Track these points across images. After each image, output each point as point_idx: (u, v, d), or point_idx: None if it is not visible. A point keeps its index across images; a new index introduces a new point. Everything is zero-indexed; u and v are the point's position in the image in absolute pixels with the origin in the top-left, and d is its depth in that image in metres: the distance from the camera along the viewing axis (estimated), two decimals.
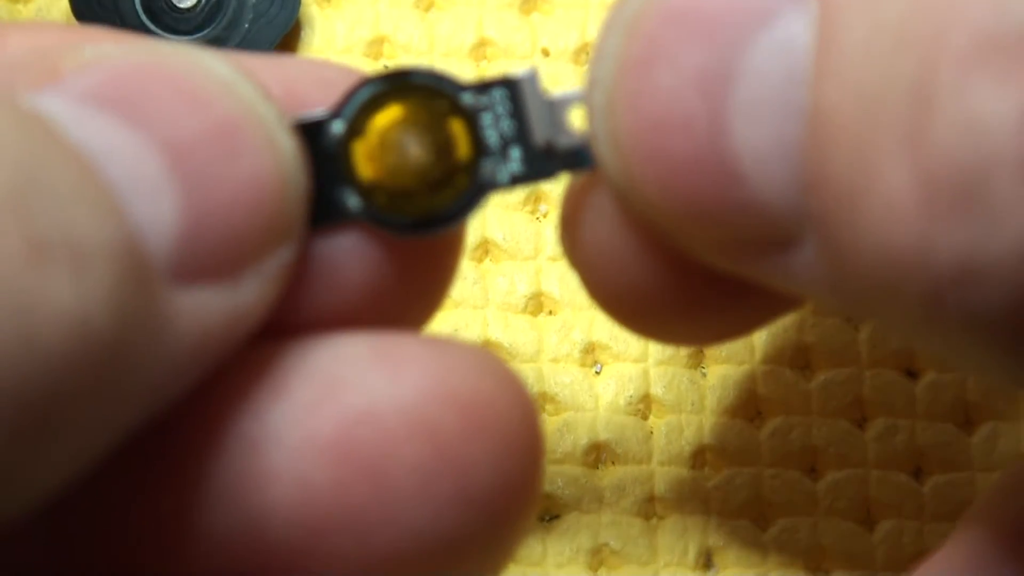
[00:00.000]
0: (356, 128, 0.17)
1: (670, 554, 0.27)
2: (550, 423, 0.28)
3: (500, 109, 0.18)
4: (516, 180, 0.18)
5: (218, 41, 0.29)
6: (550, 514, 0.27)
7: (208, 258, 0.15)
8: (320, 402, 0.16)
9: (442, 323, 0.28)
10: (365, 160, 0.17)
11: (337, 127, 0.17)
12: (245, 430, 0.16)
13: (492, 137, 0.18)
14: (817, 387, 0.28)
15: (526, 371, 0.28)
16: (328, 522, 0.15)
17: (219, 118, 0.15)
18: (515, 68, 0.18)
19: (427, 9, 0.30)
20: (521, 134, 0.18)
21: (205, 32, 0.29)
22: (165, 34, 0.29)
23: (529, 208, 0.29)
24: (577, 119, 0.18)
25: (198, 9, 0.29)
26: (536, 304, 0.28)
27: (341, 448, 0.16)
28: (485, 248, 0.29)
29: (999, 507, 0.20)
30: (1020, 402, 0.28)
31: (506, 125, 0.18)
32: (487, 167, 0.18)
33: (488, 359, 0.17)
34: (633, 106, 0.16)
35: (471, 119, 0.17)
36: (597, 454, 0.28)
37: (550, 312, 0.28)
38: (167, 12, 0.29)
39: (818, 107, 0.15)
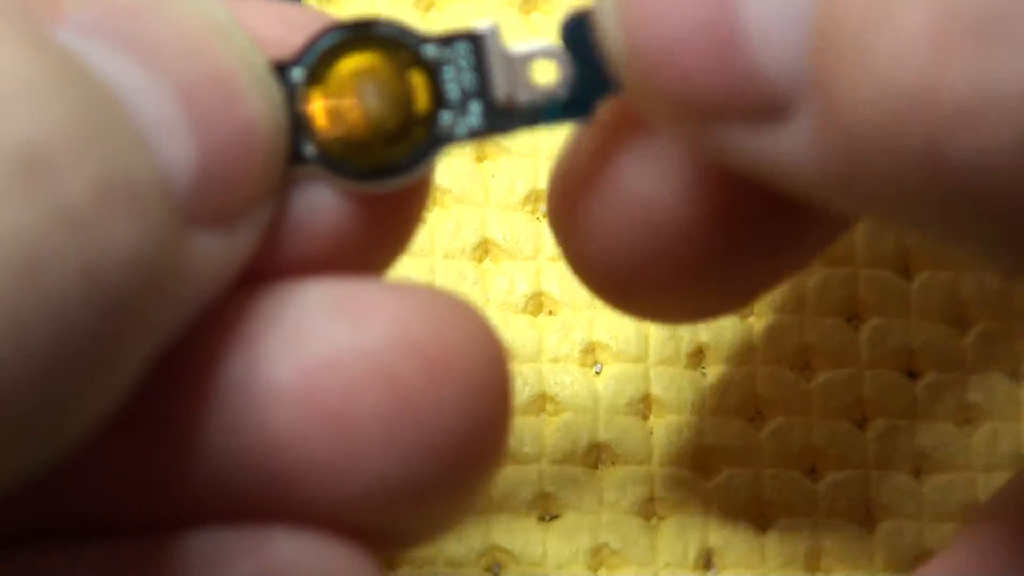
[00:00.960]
0: (316, 76, 0.18)
1: (670, 554, 0.27)
2: (550, 423, 0.28)
3: (462, 63, 0.18)
4: (474, 134, 0.18)
5: None
6: (550, 514, 0.28)
7: (215, 202, 0.16)
8: (282, 351, 0.16)
9: None
10: (323, 108, 0.18)
11: (297, 74, 0.18)
12: (212, 380, 0.16)
13: (452, 91, 0.18)
14: (817, 387, 0.28)
15: (526, 371, 0.28)
16: (293, 470, 0.16)
17: (218, 62, 0.16)
18: (478, 22, 0.18)
19: (427, 9, 0.30)
20: (482, 88, 0.18)
21: None
22: None
23: (529, 208, 0.29)
24: (539, 74, 0.18)
25: None
26: (536, 304, 0.28)
27: (302, 397, 0.16)
28: (485, 248, 0.29)
29: (1007, 506, 0.20)
30: (1020, 402, 0.29)
31: (467, 79, 0.18)
32: (445, 120, 0.18)
33: (454, 305, 0.17)
34: None
35: (432, 71, 0.18)
36: (597, 454, 0.28)
37: (550, 312, 0.28)
38: None
39: None
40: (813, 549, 0.27)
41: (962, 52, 0.14)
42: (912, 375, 0.29)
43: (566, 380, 0.28)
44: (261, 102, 0.16)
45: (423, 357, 0.16)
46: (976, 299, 0.29)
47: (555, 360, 0.28)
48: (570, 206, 0.20)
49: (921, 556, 0.27)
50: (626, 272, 0.20)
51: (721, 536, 0.27)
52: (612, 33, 0.17)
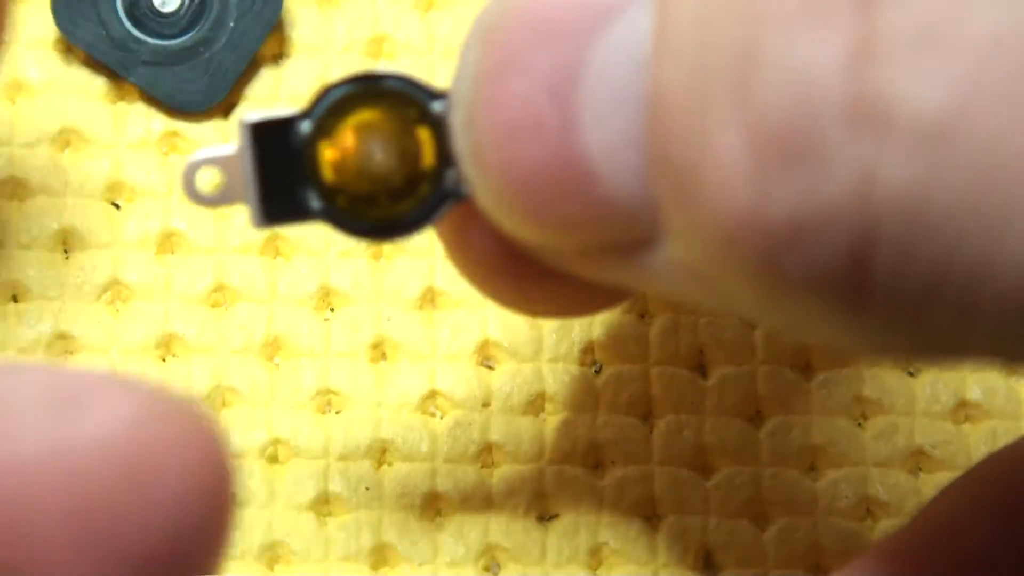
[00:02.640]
0: (324, 129, 0.18)
1: (669, 554, 0.28)
2: (549, 423, 0.28)
3: None
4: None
5: (205, 42, 0.29)
6: (549, 514, 0.28)
7: None
8: None
9: (440, 323, 0.29)
10: (330, 162, 0.18)
11: (305, 127, 0.18)
12: None
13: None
14: (817, 386, 0.29)
15: (525, 371, 0.28)
16: None
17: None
18: None
19: (427, 9, 0.30)
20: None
21: (191, 34, 0.29)
22: (151, 40, 0.29)
23: None
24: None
25: (182, 12, 0.30)
26: None
27: None
28: None
29: (913, 545, 0.21)
30: (1020, 401, 0.29)
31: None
32: (451, 177, 0.18)
33: (170, 405, 0.15)
34: (490, 117, 0.16)
35: (439, 128, 0.18)
36: (596, 454, 0.28)
37: None
38: (151, 17, 0.29)
39: (656, 88, 0.15)
40: (813, 548, 0.28)
41: (779, 175, 0.14)
42: (911, 374, 0.29)
43: (565, 380, 0.28)
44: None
45: (124, 461, 0.14)
46: None
47: (554, 360, 0.29)
48: (447, 239, 0.20)
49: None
50: (496, 283, 0.20)
51: (721, 535, 0.28)
52: (467, 167, 0.17)
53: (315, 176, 0.18)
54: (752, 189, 0.15)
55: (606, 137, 0.16)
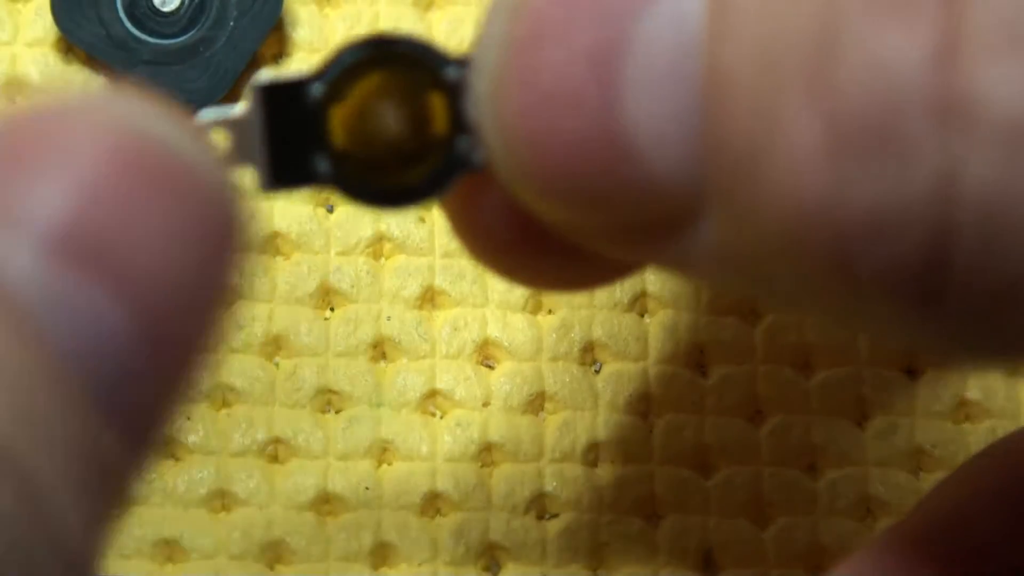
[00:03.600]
0: (335, 93, 0.17)
1: (669, 553, 0.28)
2: (549, 422, 0.28)
3: None
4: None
5: (206, 42, 0.29)
6: (549, 513, 0.28)
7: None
8: None
9: (440, 323, 0.29)
10: (341, 126, 0.17)
11: (316, 90, 0.17)
12: None
13: (471, 114, 0.17)
14: (817, 386, 0.29)
15: (525, 370, 0.28)
16: None
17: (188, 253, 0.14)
18: None
19: (427, 8, 0.30)
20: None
21: (191, 34, 0.30)
22: (151, 39, 0.29)
23: None
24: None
25: (182, 12, 0.30)
26: (535, 303, 0.29)
27: None
28: None
29: (923, 535, 0.21)
30: (1019, 401, 0.29)
31: None
32: (462, 145, 0.17)
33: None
34: (521, 87, 0.16)
35: (452, 94, 0.17)
36: (596, 453, 0.28)
37: (549, 311, 0.29)
38: (151, 17, 0.30)
39: (715, 69, 0.15)
40: (813, 547, 0.28)
41: (858, 167, 0.14)
42: (911, 373, 0.29)
43: (565, 379, 0.29)
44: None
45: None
46: None
47: (554, 359, 0.29)
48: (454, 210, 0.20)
49: None
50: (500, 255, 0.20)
51: (721, 535, 0.28)
52: (491, 137, 0.17)
53: (325, 140, 0.17)
54: (828, 180, 0.14)
55: (653, 114, 0.15)
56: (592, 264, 0.20)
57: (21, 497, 0.12)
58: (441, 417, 0.29)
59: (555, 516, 0.28)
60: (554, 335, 0.29)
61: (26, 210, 0.13)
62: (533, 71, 0.16)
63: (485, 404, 0.28)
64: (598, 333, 0.29)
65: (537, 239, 0.18)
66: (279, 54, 0.30)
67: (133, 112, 0.14)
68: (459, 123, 0.17)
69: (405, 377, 0.29)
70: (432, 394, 0.29)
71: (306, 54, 0.30)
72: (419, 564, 0.28)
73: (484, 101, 0.17)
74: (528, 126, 0.16)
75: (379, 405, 0.29)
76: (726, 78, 0.15)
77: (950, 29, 0.14)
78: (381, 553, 0.28)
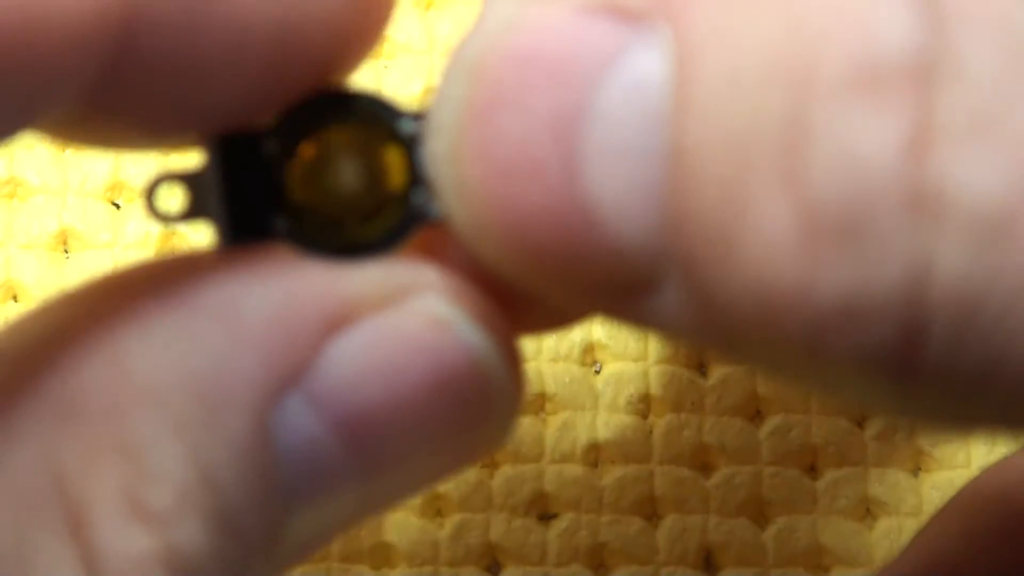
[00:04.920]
0: (291, 148, 0.17)
1: (670, 553, 0.28)
2: (549, 422, 0.29)
3: None
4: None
5: None
6: (549, 513, 0.28)
7: None
8: None
9: None
10: (297, 181, 0.17)
11: (272, 145, 0.17)
12: None
13: (428, 169, 0.17)
14: None
15: (526, 371, 0.29)
16: None
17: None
18: None
19: (427, 8, 0.31)
20: None
21: None
22: None
23: None
24: None
25: None
26: None
27: None
28: None
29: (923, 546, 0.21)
30: None
31: None
32: (419, 198, 0.17)
33: None
34: (481, 153, 0.16)
35: (408, 147, 0.17)
36: (597, 453, 0.29)
37: None
38: None
39: (680, 146, 0.15)
40: (813, 547, 0.28)
41: (832, 255, 0.14)
42: None
43: (565, 379, 0.29)
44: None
45: None
46: None
47: (554, 359, 0.29)
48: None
49: None
50: None
51: (721, 534, 0.28)
52: (450, 197, 0.17)
53: (282, 196, 0.17)
54: (800, 267, 0.14)
55: (616, 185, 0.15)
56: (552, 313, 0.20)
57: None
58: None
59: (555, 516, 0.28)
60: (554, 336, 0.29)
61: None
62: (491, 139, 0.16)
63: None
64: (598, 333, 0.29)
65: (498, 287, 0.18)
66: None
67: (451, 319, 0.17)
68: (416, 177, 0.17)
69: None
70: None
71: None
72: (420, 564, 0.28)
73: (442, 163, 0.17)
74: (487, 194, 0.16)
75: None
76: (692, 157, 0.15)
77: (921, 118, 0.14)
78: (382, 553, 0.28)
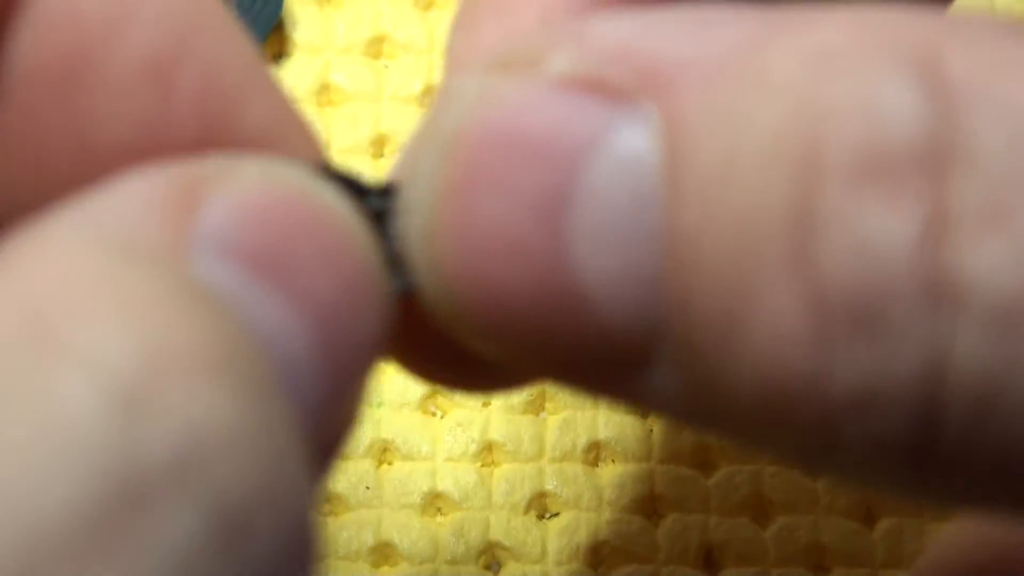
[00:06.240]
0: None
1: (670, 551, 0.28)
2: (550, 421, 0.29)
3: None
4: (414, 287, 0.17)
5: None
6: (550, 512, 0.28)
7: (328, 433, 0.15)
8: None
9: None
10: None
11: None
12: None
13: (396, 242, 0.17)
14: None
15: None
16: None
17: (349, 274, 0.15)
18: None
19: (427, 8, 0.31)
20: None
21: None
22: None
23: None
24: None
25: None
26: None
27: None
28: None
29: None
30: None
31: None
32: (386, 273, 0.17)
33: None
34: (459, 234, 0.15)
35: (375, 223, 0.17)
36: (597, 452, 0.29)
37: None
38: None
39: (676, 229, 0.15)
40: (813, 546, 0.28)
41: (845, 346, 0.14)
42: None
43: None
44: (383, 305, 0.16)
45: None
46: None
47: None
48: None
49: (920, 554, 0.28)
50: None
51: (721, 533, 0.28)
52: (423, 275, 0.16)
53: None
54: (812, 357, 0.14)
55: (606, 266, 0.15)
56: (515, 375, 0.19)
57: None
58: (442, 417, 0.29)
59: (555, 515, 0.28)
60: None
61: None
62: (470, 220, 0.15)
63: (485, 404, 0.29)
64: None
65: (466, 359, 0.18)
66: (279, 54, 0.31)
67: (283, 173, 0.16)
68: (383, 252, 0.17)
69: (405, 377, 0.29)
70: (432, 394, 0.29)
71: (306, 54, 0.31)
72: (420, 563, 0.28)
73: (416, 241, 0.16)
74: (465, 273, 0.15)
75: (380, 405, 0.29)
76: (690, 241, 0.14)
77: (935, 208, 0.14)
78: (382, 552, 0.28)
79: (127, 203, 0.14)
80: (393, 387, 0.29)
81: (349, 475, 0.28)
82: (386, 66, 0.31)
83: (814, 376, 0.14)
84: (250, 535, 0.13)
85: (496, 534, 0.28)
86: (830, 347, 0.14)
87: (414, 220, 0.16)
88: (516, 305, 0.15)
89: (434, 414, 0.29)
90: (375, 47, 0.31)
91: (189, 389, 0.13)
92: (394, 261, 0.17)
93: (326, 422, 0.15)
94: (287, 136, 0.17)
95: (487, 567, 0.28)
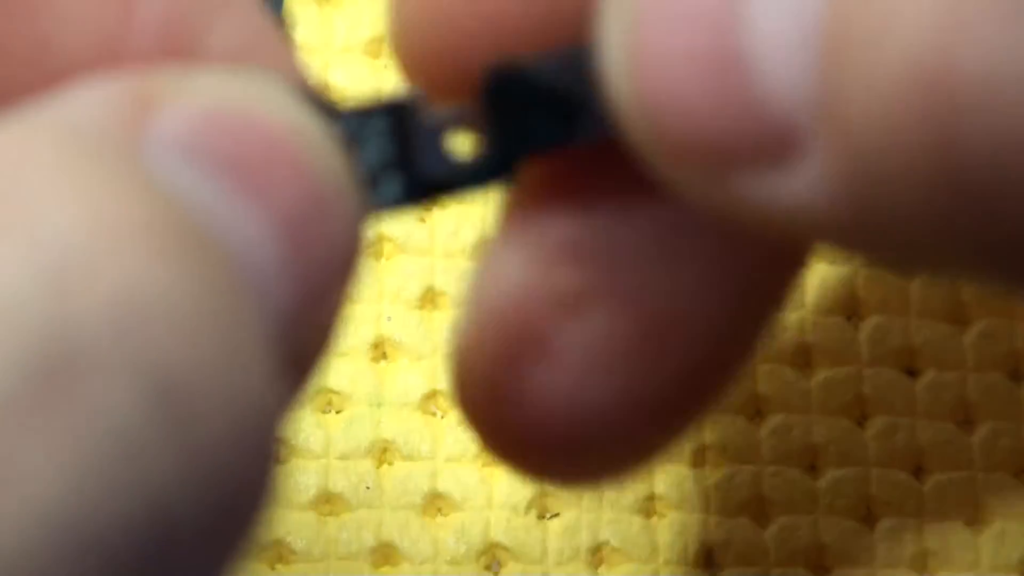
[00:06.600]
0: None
1: (670, 552, 0.28)
2: None
3: (380, 134, 0.18)
4: (391, 205, 0.18)
5: None
6: (550, 512, 0.29)
7: (301, 342, 0.15)
8: None
9: (440, 323, 0.29)
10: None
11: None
12: None
13: (368, 162, 0.17)
14: (817, 385, 0.29)
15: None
16: None
17: (317, 187, 0.15)
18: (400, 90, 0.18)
19: None
20: (400, 160, 0.18)
21: None
22: None
23: None
24: (459, 141, 0.18)
25: None
26: None
27: None
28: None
29: None
30: (1020, 402, 0.30)
31: (384, 150, 0.17)
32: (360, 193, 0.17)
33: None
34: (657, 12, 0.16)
35: (349, 142, 0.17)
36: None
37: None
38: None
39: None
40: (814, 546, 0.29)
41: (981, 24, 0.13)
42: (912, 373, 0.30)
43: None
44: (351, 216, 0.16)
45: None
46: (976, 298, 0.30)
47: None
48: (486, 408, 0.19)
49: (921, 554, 0.28)
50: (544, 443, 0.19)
51: (721, 534, 0.28)
52: (618, 81, 0.16)
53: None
54: (945, 35, 0.13)
55: (774, 29, 0.15)
56: (627, 452, 0.19)
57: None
58: (442, 417, 0.29)
59: (556, 515, 0.29)
60: None
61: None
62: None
63: None
64: None
65: (582, 424, 0.18)
66: None
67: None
68: (357, 173, 0.17)
69: (405, 377, 0.29)
70: (433, 394, 0.29)
71: (306, 54, 0.31)
72: (420, 563, 0.28)
73: (615, 54, 0.16)
74: (652, 47, 0.16)
75: (380, 405, 0.29)
76: None
77: None
78: (382, 552, 0.28)
79: (81, 104, 0.14)
80: (393, 387, 0.29)
81: (349, 475, 0.28)
82: (386, 66, 0.31)
83: (942, 61, 0.13)
84: (197, 418, 0.13)
85: (496, 534, 0.28)
86: (963, 28, 0.13)
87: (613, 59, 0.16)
88: (691, 79, 0.15)
89: (435, 414, 0.29)
90: (375, 47, 0.31)
91: (128, 258, 0.13)
92: (368, 182, 0.17)
93: (296, 335, 0.15)
94: (261, 58, 0.17)
95: (487, 567, 0.28)
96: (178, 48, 0.16)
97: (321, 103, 0.17)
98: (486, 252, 0.20)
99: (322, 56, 0.31)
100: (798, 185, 0.15)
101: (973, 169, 0.14)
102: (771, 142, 0.15)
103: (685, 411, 0.19)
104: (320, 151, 0.15)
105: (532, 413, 0.19)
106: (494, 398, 0.19)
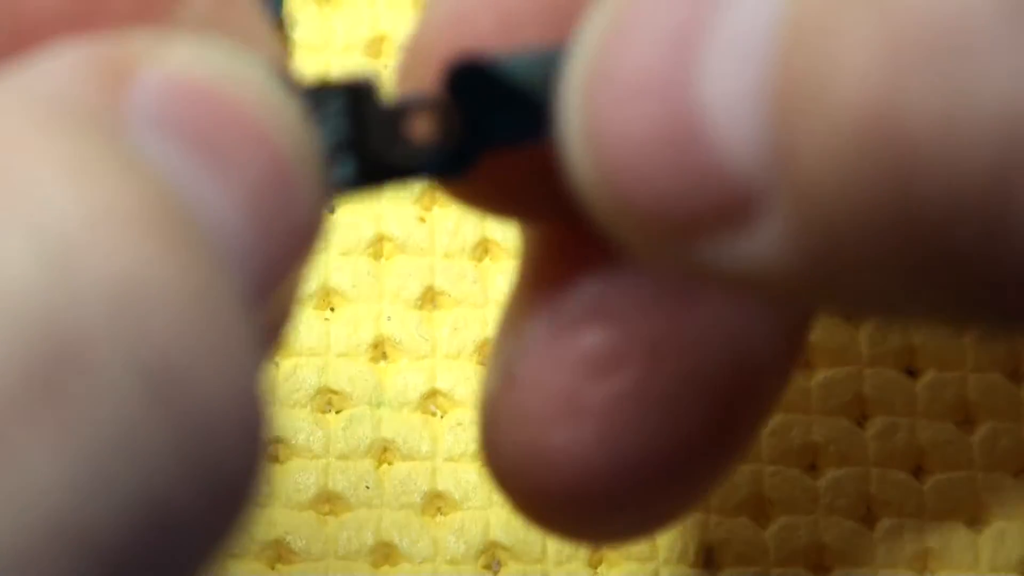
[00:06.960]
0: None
1: (670, 551, 0.28)
2: None
3: (335, 114, 0.18)
4: (344, 187, 0.18)
5: None
6: None
7: (266, 320, 0.16)
8: None
9: (440, 322, 0.29)
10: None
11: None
12: None
13: (323, 142, 0.17)
14: (817, 385, 0.29)
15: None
16: None
17: (277, 152, 0.15)
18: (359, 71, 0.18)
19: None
20: (355, 142, 0.18)
21: None
22: None
23: None
24: (417, 127, 0.18)
25: None
26: None
27: None
28: (485, 247, 0.30)
29: None
30: (1020, 402, 0.30)
31: (339, 131, 0.17)
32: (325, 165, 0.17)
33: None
34: (604, 75, 0.16)
35: (315, 117, 0.17)
36: None
37: None
38: None
39: (789, 20, 0.15)
40: (814, 546, 0.29)
41: (921, 75, 0.13)
42: (912, 373, 0.30)
43: None
44: (312, 190, 0.16)
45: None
46: None
47: None
48: (492, 434, 0.19)
49: (921, 554, 0.29)
50: (549, 497, 0.19)
51: (721, 532, 0.28)
52: (577, 158, 0.16)
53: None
54: (890, 80, 0.13)
55: (727, 87, 0.15)
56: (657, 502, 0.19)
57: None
58: (441, 416, 0.29)
59: None
60: None
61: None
62: (615, 64, 0.16)
63: None
64: None
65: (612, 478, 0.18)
66: None
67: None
68: (322, 146, 0.17)
69: (405, 377, 0.29)
70: (432, 394, 0.29)
71: (306, 54, 0.31)
72: (420, 562, 0.28)
73: (572, 103, 0.16)
74: (607, 112, 0.16)
75: (379, 405, 0.29)
76: (796, 25, 0.14)
77: None
78: (382, 552, 0.28)
79: (56, 70, 0.14)
80: (393, 387, 0.29)
81: (349, 475, 0.29)
82: (386, 66, 0.31)
83: (890, 107, 0.13)
84: (189, 401, 0.13)
85: (496, 534, 0.28)
86: (905, 78, 0.13)
87: (575, 77, 0.16)
88: (650, 140, 0.15)
89: (434, 414, 0.29)
90: (375, 47, 0.31)
91: (124, 242, 0.13)
92: (333, 155, 0.17)
93: (262, 305, 0.15)
94: (230, 26, 0.17)
95: (487, 567, 0.28)
96: (150, 13, 0.16)
97: (283, 77, 0.17)
98: (509, 318, 0.20)
99: (322, 56, 0.31)
100: (759, 245, 0.15)
101: (928, 218, 0.14)
102: (731, 206, 0.15)
103: (715, 461, 0.19)
104: (288, 126, 0.16)
105: (564, 474, 0.19)
106: (524, 461, 0.19)
